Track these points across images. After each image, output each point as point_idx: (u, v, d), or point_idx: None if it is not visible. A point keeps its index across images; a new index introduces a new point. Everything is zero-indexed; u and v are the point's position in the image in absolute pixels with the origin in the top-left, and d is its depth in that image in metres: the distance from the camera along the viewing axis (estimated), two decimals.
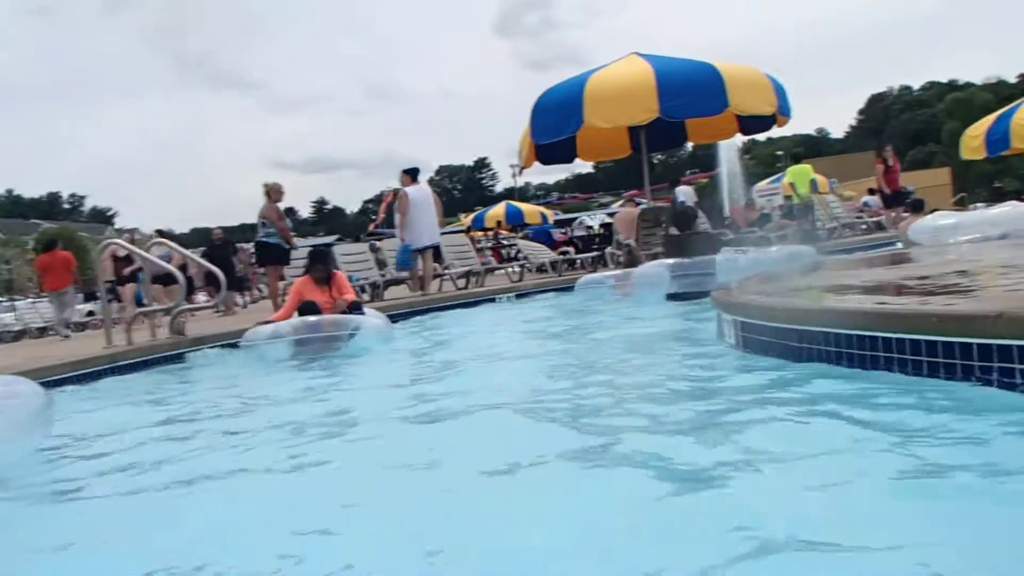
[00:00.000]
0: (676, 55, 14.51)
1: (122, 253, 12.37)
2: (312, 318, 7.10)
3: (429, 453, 3.14)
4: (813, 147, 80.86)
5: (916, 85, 78.62)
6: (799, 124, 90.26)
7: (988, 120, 23.47)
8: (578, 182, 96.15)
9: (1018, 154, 24.43)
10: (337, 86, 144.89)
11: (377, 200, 56.14)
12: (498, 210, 33.35)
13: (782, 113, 14.47)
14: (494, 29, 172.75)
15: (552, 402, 3.96)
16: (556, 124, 14.27)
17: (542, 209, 36.14)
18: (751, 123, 15.84)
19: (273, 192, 11.28)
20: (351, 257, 12.64)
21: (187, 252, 10.35)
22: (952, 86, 69.25)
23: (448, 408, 4.07)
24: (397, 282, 12.31)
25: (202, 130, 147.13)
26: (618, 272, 10.10)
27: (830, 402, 3.01)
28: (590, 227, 18.65)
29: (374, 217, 33.06)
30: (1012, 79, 64.10)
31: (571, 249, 13.87)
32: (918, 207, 11.45)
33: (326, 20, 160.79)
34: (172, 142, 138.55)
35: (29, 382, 3.95)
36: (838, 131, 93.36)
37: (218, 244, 16.55)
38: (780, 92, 14.26)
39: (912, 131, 64.87)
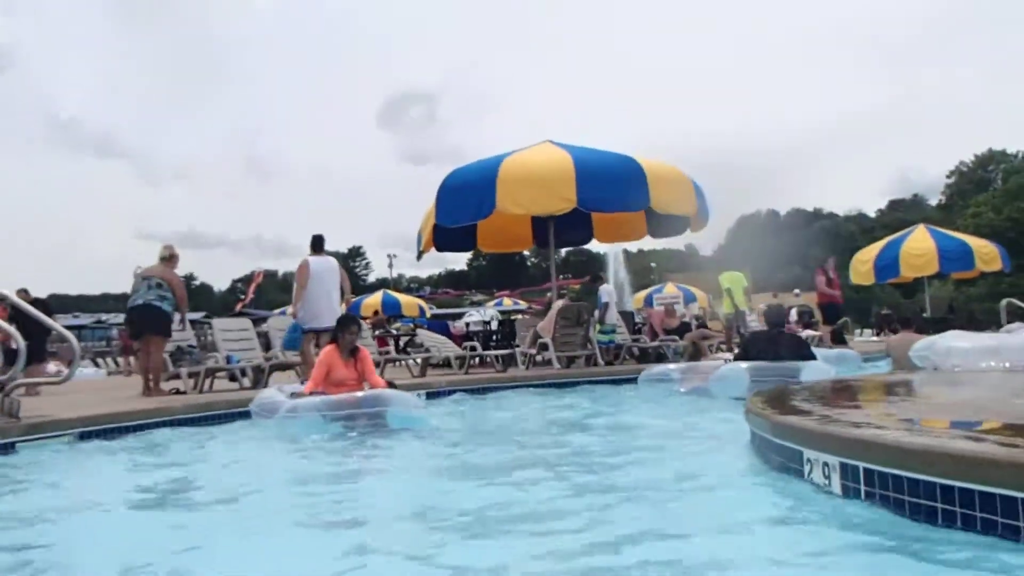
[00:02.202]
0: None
1: None
2: (355, 394, 6.79)
3: None
4: (683, 262, 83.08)
5: (783, 211, 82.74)
6: (670, 239, 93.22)
7: (877, 247, 24.02)
8: (450, 278, 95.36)
9: (902, 283, 25.05)
10: (211, 160, 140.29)
11: (247, 279, 53.41)
12: (375, 299, 31.75)
13: (701, 216, 13.73)
14: (378, 118, 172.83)
15: None
16: (464, 208, 12.99)
17: (420, 302, 34.90)
18: (663, 225, 15.07)
19: (174, 257, 10.07)
20: (231, 334, 10.67)
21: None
22: (817, 215, 73.02)
23: None
24: (285, 366, 10.40)
25: (69, 196, 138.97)
26: (682, 366, 9.53)
27: None
28: (487, 322, 17.29)
29: (242, 296, 30.95)
30: (871, 213, 68.15)
31: (477, 344, 12.39)
32: (918, 325, 10.59)
33: (203, 89, 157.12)
34: (36, 206, 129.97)
35: None
36: (707, 249, 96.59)
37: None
38: (700, 195, 13.52)
39: (777, 254, 67.42)
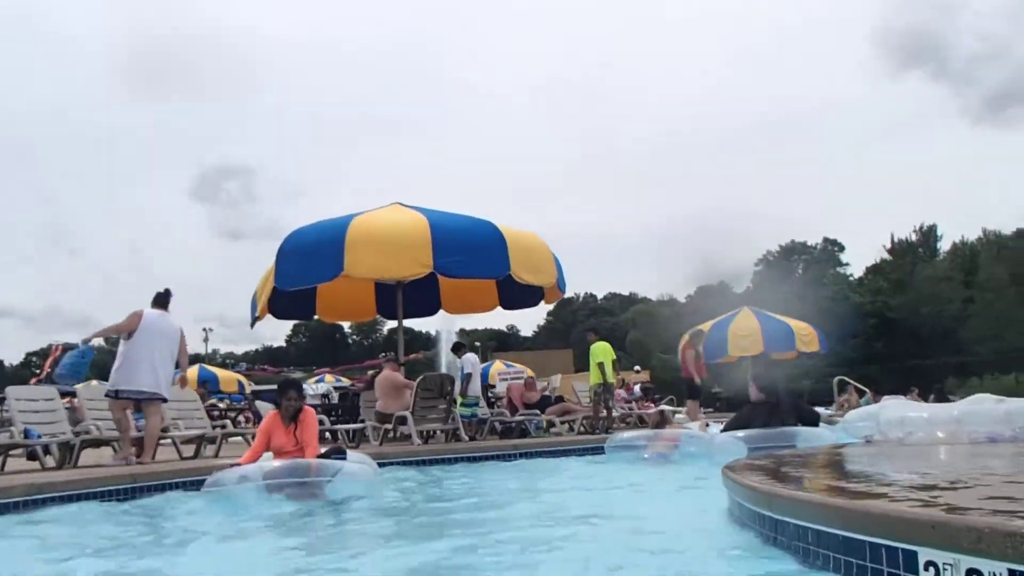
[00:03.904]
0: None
1: None
2: (294, 461, 6.45)
3: None
4: (504, 342, 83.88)
5: (600, 295, 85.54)
6: (492, 320, 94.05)
7: (706, 327, 24.64)
8: (268, 354, 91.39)
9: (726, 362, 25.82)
10: (4, 228, 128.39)
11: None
12: (190, 373, 29.38)
13: (560, 287, 13.30)
14: (191, 192, 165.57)
15: None
16: (306, 270, 11.85)
17: (239, 376, 32.82)
18: (516, 296, 14.54)
19: None
20: (34, 404, 8.87)
21: None
22: (632, 299, 75.96)
23: None
24: (100, 443, 8.69)
25: None
26: (648, 433, 9.40)
27: None
28: (325, 395, 15.94)
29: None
30: (682, 299, 71.65)
31: (324, 418, 11.14)
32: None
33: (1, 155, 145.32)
34: None
35: None
36: (527, 330, 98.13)
37: None
38: (558, 265, 13.11)
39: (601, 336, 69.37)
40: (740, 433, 7.94)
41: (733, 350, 23.54)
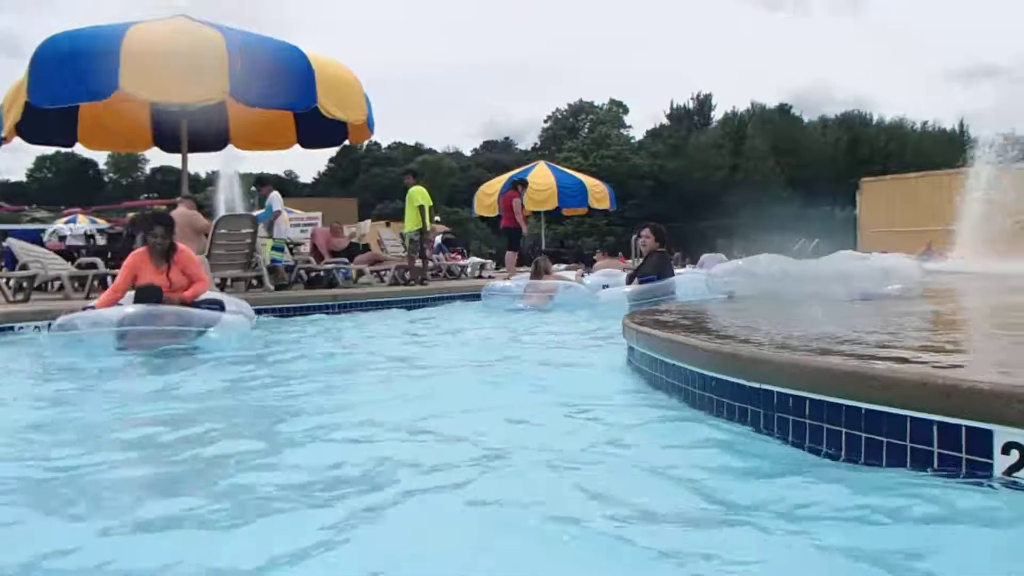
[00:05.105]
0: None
1: None
2: (145, 308, 5.81)
3: None
4: (281, 188, 79.98)
5: (385, 143, 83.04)
6: (269, 164, 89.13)
7: (501, 180, 24.25)
8: (5, 190, 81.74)
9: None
10: None
11: None
12: None
13: (369, 127, 12.14)
14: None
15: None
16: (72, 85, 9.96)
17: None
18: (318, 133, 13.19)
19: None
20: None
21: None
22: (417, 149, 74.42)
23: None
24: None
25: None
26: (524, 283, 9.46)
27: None
28: (90, 236, 13.91)
29: None
30: (467, 152, 71.13)
31: (98, 260, 9.54)
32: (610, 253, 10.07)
33: None
34: None
35: None
36: (306, 176, 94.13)
37: None
38: (368, 103, 11.90)
39: (381, 186, 67.72)
40: (625, 288, 8.09)
41: (529, 205, 23.28)
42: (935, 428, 2.12)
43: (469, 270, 15.70)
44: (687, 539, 1.89)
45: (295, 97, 10.68)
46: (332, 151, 66.76)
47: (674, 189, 52.21)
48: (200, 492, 2.35)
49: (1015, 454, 1.97)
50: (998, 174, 15.26)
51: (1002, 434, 1.98)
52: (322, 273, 11.32)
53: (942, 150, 45.64)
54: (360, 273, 11.96)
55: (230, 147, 14.17)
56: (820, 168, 50.78)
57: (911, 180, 24.04)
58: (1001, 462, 1.99)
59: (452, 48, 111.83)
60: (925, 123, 59.58)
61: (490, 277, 14.83)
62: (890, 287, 5.17)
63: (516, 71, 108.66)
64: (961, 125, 56.75)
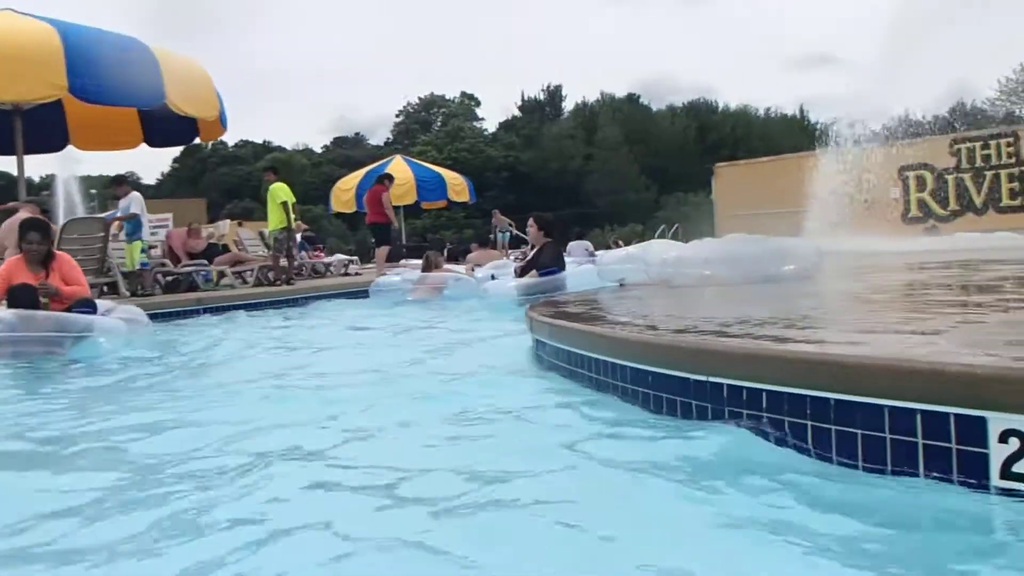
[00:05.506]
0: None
1: None
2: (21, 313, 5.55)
3: None
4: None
5: (231, 142, 79.91)
6: (106, 166, 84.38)
7: (358, 176, 23.99)
8: None
9: None
10: None
11: None
12: None
13: (222, 123, 11.72)
14: None
15: None
16: None
17: None
18: (165, 131, 12.63)
19: None
20: None
21: None
22: (267, 147, 72.16)
23: None
24: None
25: None
26: (413, 276, 9.54)
27: None
28: None
29: None
30: (318, 148, 69.64)
31: None
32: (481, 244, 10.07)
33: None
34: None
35: None
36: (149, 177, 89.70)
37: None
38: (220, 99, 11.50)
39: (229, 185, 65.37)
40: (513, 282, 8.16)
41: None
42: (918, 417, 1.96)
43: (333, 268, 15.39)
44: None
45: (140, 93, 10.21)
46: (176, 151, 63.84)
47: (530, 180, 52.86)
48: None
49: (1014, 442, 1.82)
50: (847, 156, 16.29)
51: (998, 421, 1.82)
52: (180, 277, 10.81)
53: (787, 134, 48.39)
54: (221, 275, 11.52)
55: (69, 147, 13.34)
56: (672, 155, 52.54)
57: (763, 164, 25.21)
58: (998, 451, 1.82)
59: (297, 43, 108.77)
60: (768, 109, 62.74)
61: (357, 274, 14.59)
62: (786, 267, 5.34)
63: (364, 66, 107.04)
64: (801, 110, 60.49)
